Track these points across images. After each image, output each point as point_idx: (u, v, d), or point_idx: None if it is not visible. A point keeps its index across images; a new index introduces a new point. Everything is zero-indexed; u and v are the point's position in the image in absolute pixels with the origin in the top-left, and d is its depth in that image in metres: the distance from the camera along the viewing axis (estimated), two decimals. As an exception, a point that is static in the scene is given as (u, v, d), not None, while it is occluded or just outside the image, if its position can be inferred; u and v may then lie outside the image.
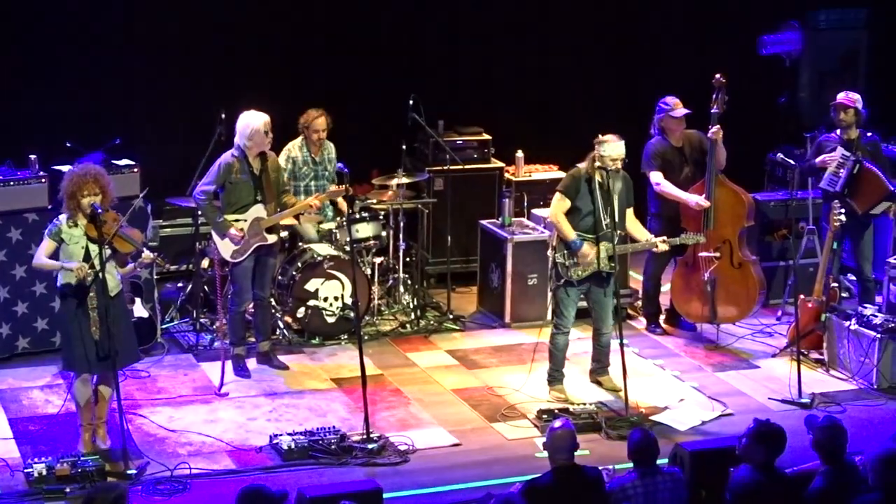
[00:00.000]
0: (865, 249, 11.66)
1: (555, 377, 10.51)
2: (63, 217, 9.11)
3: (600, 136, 10.19)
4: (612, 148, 10.19)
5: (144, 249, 9.30)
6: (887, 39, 14.27)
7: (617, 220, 10.21)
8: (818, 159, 11.51)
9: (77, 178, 9.04)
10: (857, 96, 11.51)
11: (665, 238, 10.60)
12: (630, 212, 10.49)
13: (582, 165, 10.32)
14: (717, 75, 11.37)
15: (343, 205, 11.31)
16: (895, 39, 14.45)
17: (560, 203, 10.30)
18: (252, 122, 10.50)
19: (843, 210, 11.09)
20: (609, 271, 10.28)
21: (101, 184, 9.04)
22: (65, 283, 9.11)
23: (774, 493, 7.44)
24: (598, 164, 10.17)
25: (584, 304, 10.58)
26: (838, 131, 11.55)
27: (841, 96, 11.53)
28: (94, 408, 9.30)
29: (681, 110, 11.38)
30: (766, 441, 7.52)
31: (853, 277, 12.25)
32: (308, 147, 11.68)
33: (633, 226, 10.55)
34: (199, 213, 10.87)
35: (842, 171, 11.34)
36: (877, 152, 11.60)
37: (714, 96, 11.33)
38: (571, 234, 10.22)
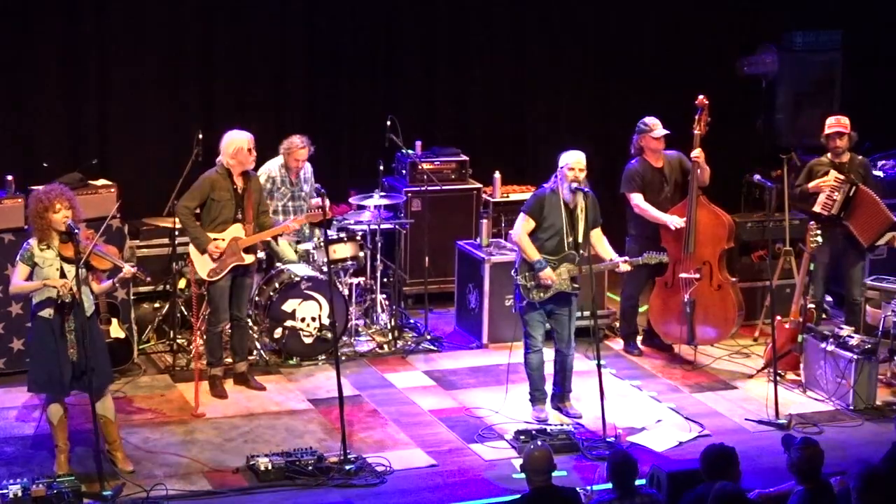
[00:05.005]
0: (857, 275, 11.65)
1: (536, 397, 10.47)
2: (33, 241, 8.98)
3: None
4: (571, 155, 10.17)
5: (125, 265, 9.24)
6: (862, 61, 14.35)
7: (581, 240, 10.20)
8: (811, 185, 11.52)
9: (44, 195, 8.93)
10: (846, 120, 11.48)
11: (627, 259, 10.56)
12: (598, 231, 10.41)
13: (547, 185, 10.33)
14: (701, 96, 11.39)
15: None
16: (870, 61, 14.54)
17: (525, 224, 10.26)
18: (236, 139, 10.51)
19: (819, 231, 11.11)
20: (571, 292, 10.27)
21: (69, 197, 8.96)
22: (39, 303, 8.96)
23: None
24: (566, 182, 10.14)
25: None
26: (829, 154, 11.55)
27: (832, 122, 11.48)
28: (71, 431, 9.26)
29: (660, 131, 11.40)
30: (719, 475, 7.53)
31: (829, 298, 12.27)
32: (287, 168, 11.68)
33: (600, 245, 10.47)
34: (181, 228, 10.81)
35: (836, 194, 11.35)
36: (867, 174, 11.60)
37: (696, 117, 11.36)
38: (535, 255, 10.18)
